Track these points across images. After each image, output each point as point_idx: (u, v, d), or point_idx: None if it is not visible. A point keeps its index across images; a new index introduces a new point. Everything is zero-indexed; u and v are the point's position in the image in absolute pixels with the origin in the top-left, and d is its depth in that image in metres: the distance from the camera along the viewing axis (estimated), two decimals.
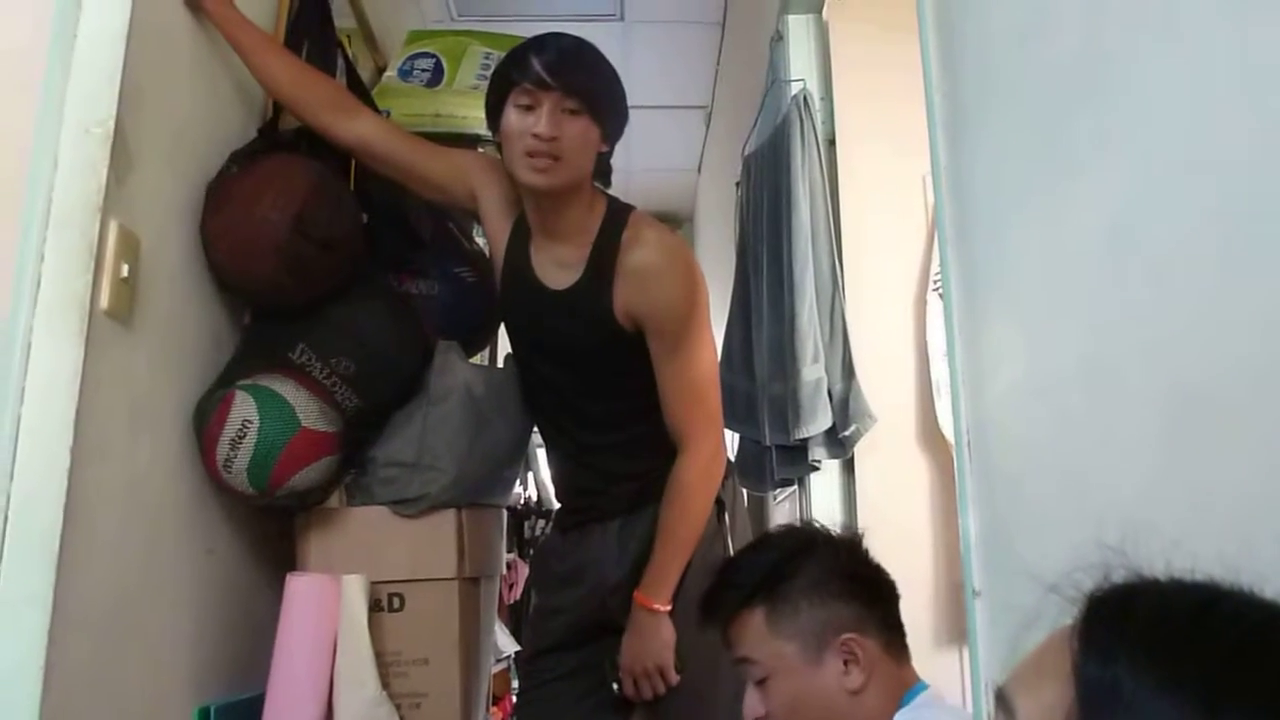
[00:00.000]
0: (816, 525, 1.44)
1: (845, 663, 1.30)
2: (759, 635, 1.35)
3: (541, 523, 3.83)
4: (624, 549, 1.86)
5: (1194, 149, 0.77)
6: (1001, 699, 0.59)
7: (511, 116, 1.74)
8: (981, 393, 1.18)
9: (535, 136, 1.70)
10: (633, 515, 1.87)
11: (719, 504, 1.89)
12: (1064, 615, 0.57)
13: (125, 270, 1.38)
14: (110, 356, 1.36)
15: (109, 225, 1.34)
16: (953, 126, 1.29)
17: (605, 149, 1.82)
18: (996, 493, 1.13)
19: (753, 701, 1.36)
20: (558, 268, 1.84)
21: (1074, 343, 0.95)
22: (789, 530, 1.49)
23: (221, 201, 1.65)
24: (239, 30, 1.76)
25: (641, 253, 1.79)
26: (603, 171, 1.87)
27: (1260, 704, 0.49)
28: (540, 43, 1.78)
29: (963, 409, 1.20)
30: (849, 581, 1.36)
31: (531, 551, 3.77)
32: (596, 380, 1.87)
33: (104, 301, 1.33)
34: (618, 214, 1.84)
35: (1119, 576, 0.58)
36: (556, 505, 2.11)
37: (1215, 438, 0.72)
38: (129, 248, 1.40)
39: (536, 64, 1.72)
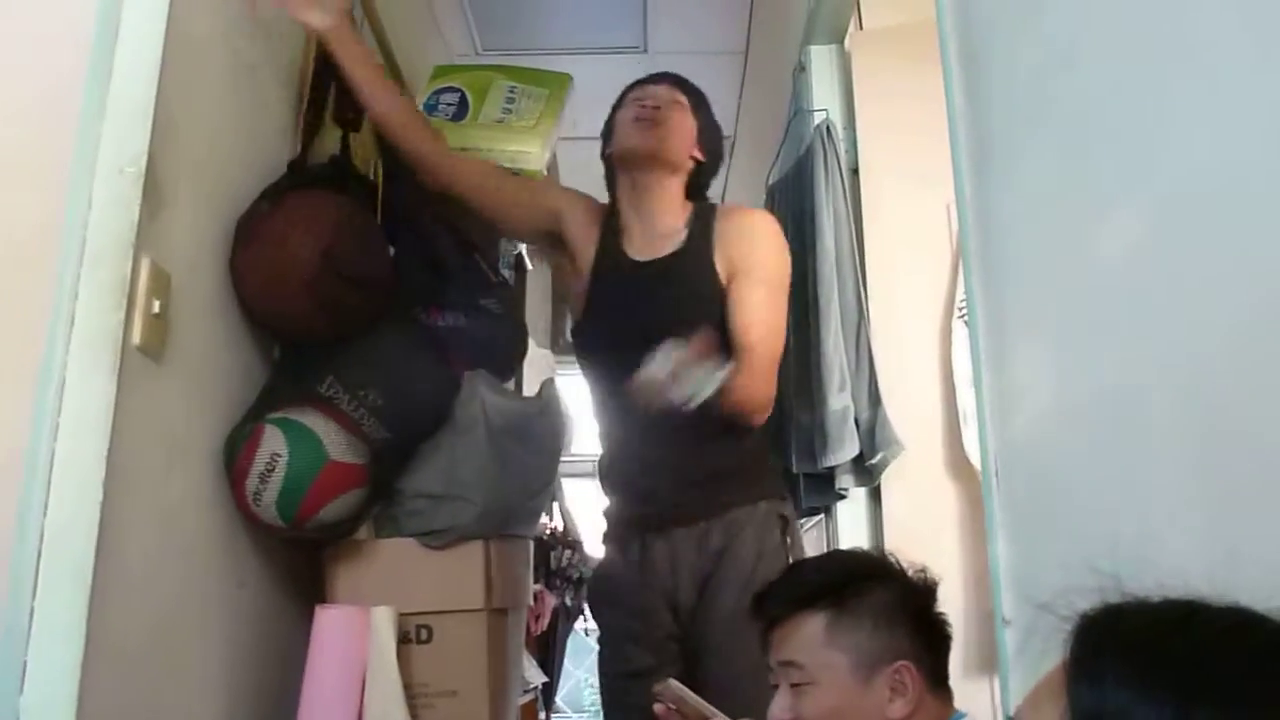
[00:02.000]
0: (895, 559, 1.43)
1: (892, 690, 1.28)
2: (813, 641, 1.33)
3: (569, 553, 3.82)
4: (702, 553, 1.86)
5: (1221, 180, 0.77)
6: None
7: (624, 110, 2.02)
8: (1009, 421, 1.17)
9: (642, 105, 1.98)
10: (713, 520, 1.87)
11: (783, 520, 1.91)
12: (1058, 633, 0.58)
13: (157, 306, 1.40)
14: (142, 391, 1.38)
15: (141, 262, 1.36)
16: (977, 156, 1.29)
17: (701, 158, 2.03)
18: (1026, 522, 1.13)
19: (783, 704, 1.33)
20: (657, 240, 1.98)
21: (1101, 373, 0.94)
22: (869, 553, 1.47)
23: (251, 237, 1.67)
24: (359, 65, 1.88)
25: (741, 215, 2.02)
26: (699, 185, 2.05)
27: (1230, 701, 0.50)
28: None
29: (990, 437, 1.20)
30: (917, 619, 1.35)
31: (559, 582, 3.77)
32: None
33: (136, 337, 1.35)
34: (707, 202, 2.06)
35: (1113, 598, 0.59)
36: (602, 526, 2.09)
37: (1247, 474, 0.71)
38: (160, 284, 1.42)
39: (656, 74, 2.05)
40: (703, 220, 1.98)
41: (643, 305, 1.93)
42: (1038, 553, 1.09)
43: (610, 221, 2.04)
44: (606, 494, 2.08)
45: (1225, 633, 0.53)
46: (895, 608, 1.33)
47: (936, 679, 1.34)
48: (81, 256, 1.30)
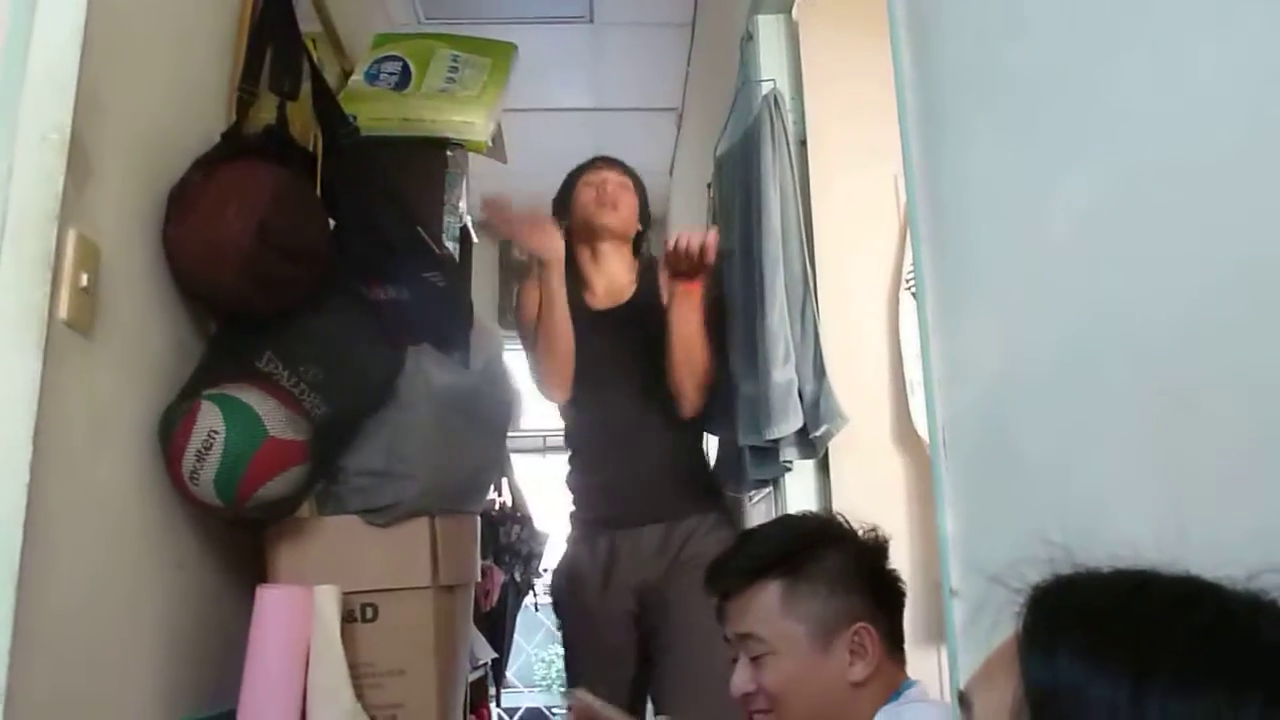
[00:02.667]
0: (845, 520, 1.42)
1: (852, 654, 1.28)
2: (769, 611, 1.33)
3: (518, 528, 3.80)
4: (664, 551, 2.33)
5: (1172, 146, 0.76)
6: (963, 699, 0.60)
7: (582, 190, 2.54)
8: (957, 391, 1.17)
9: (602, 190, 2.50)
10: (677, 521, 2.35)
11: (720, 495, 2.50)
12: (1009, 606, 0.58)
13: (85, 280, 1.35)
14: (71, 368, 1.34)
15: (67, 234, 1.31)
16: (925, 125, 1.28)
17: (641, 228, 2.60)
18: (974, 493, 1.12)
19: (744, 677, 1.33)
20: (614, 293, 2.53)
21: (1052, 340, 0.94)
22: (819, 516, 1.47)
23: (184, 210, 1.61)
24: (562, 295, 2.33)
25: None
26: (639, 245, 2.61)
27: (1184, 672, 0.49)
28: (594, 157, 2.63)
29: (938, 407, 1.19)
30: (872, 581, 1.35)
31: (508, 558, 3.75)
32: (645, 362, 2.39)
33: (63, 312, 1.30)
34: (649, 256, 2.64)
35: (1064, 569, 0.58)
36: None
37: (1200, 438, 0.71)
38: (89, 257, 1.37)
39: (597, 161, 2.59)
40: (649, 272, 2.55)
41: (607, 346, 2.42)
42: (987, 524, 1.08)
43: (571, 281, 2.44)
44: (575, 498, 2.51)
45: (1177, 603, 0.53)
46: (849, 570, 1.33)
47: (893, 640, 1.34)
48: (3, 228, 1.24)
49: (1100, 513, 0.81)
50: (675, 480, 2.41)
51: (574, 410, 2.49)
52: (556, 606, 2.54)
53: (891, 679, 1.32)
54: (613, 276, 2.54)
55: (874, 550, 1.40)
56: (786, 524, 1.51)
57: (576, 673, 2.39)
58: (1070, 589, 0.57)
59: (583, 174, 2.57)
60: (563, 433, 2.60)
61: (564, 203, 2.57)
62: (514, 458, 3.93)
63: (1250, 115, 0.67)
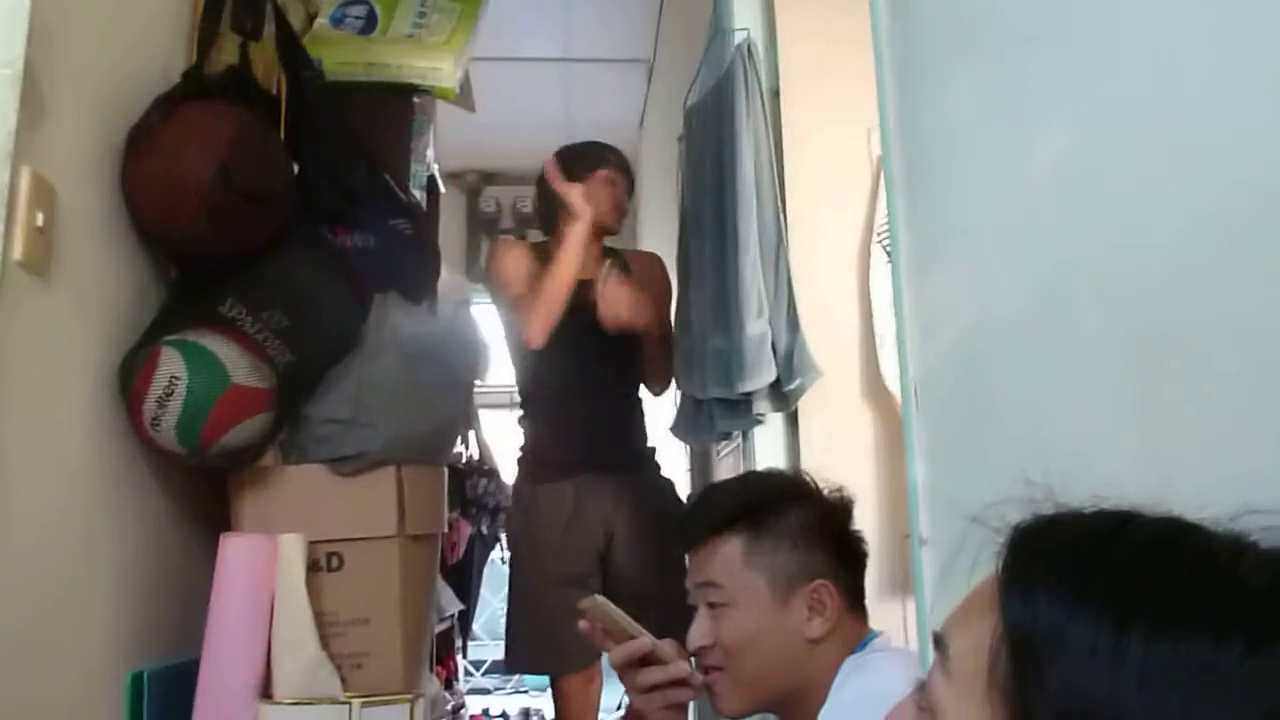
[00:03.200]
0: (811, 479, 1.42)
1: (810, 609, 1.29)
2: (731, 563, 1.33)
3: (485, 481, 3.80)
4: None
5: (1155, 88, 0.75)
6: (938, 640, 0.59)
7: (603, 184, 2.67)
8: (930, 341, 1.16)
9: (618, 195, 2.70)
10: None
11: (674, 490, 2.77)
12: (987, 547, 0.57)
13: (40, 219, 1.31)
14: (25, 311, 1.30)
15: (21, 172, 1.27)
16: (902, 73, 1.27)
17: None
18: (945, 441, 1.12)
19: (703, 628, 1.33)
20: (590, 265, 2.63)
21: (1029, 288, 0.93)
22: (785, 473, 1.47)
23: (143, 151, 1.57)
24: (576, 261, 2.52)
25: (647, 257, 2.92)
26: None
27: (1165, 615, 0.49)
28: (611, 147, 2.79)
29: (910, 357, 1.19)
30: (834, 539, 1.35)
31: (475, 510, 3.75)
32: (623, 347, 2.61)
33: (17, 252, 1.27)
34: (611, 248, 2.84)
35: (1045, 509, 0.58)
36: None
37: (1180, 382, 0.71)
38: (44, 196, 1.33)
39: (610, 157, 2.74)
40: (619, 261, 2.75)
41: (585, 311, 2.54)
42: (960, 472, 1.08)
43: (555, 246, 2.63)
44: (538, 443, 2.70)
45: (1159, 544, 0.52)
46: (813, 528, 1.33)
47: (854, 598, 1.35)
48: None
49: (1079, 460, 0.81)
50: (633, 437, 2.73)
51: (548, 363, 2.60)
52: (513, 542, 2.73)
53: (852, 635, 1.33)
54: (590, 262, 2.66)
55: (839, 509, 1.40)
56: (752, 479, 1.51)
57: (521, 608, 2.60)
58: (1051, 528, 0.56)
59: (608, 165, 2.71)
60: (524, 378, 2.77)
61: (580, 171, 2.67)
62: (481, 412, 3.92)
63: (1226, 54, 0.66)
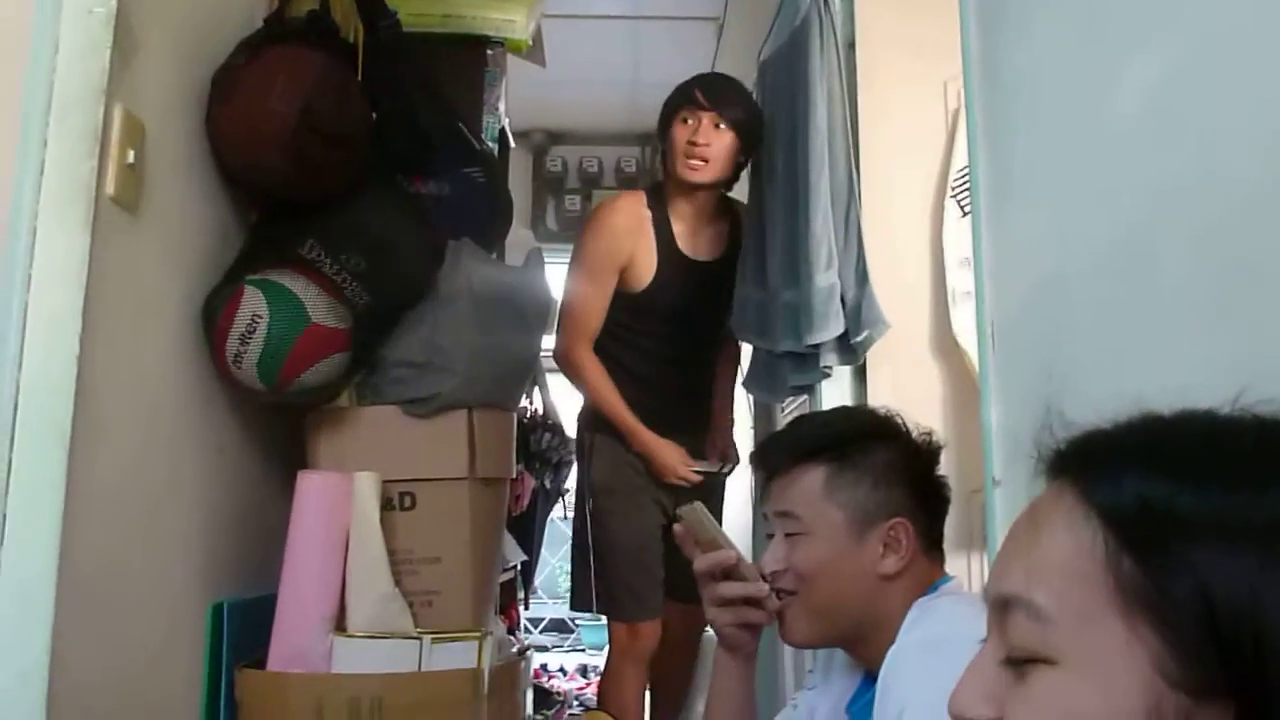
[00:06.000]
0: (902, 420, 1.42)
1: (886, 546, 1.29)
2: (811, 494, 1.33)
3: (548, 436, 3.82)
4: None
5: (1245, 16, 0.74)
6: (1003, 603, 0.56)
7: (676, 129, 2.55)
8: (1008, 284, 1.15)
9: (691, 143, 2.51)
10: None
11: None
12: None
13: (131, 157, 1.35)
14: (117, 245, 1.34)
15: (114, 110, 1.31)
16: (985, 12, 1.25)
17: (743, 159, 2.59)
18: (1021, 383, 1.12)
19: (777, 554, 1.34)
20: (705, 242, 2.70)
21: (1112, 228, 0.92)
22: (876, 411, 1.46)
23: (228, 92, 1.60)
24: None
25: None
26: (731, 180, 2.65)
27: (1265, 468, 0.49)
28: (700, 77, 2.63)
29: (988, 300, 1.18)
30: (917, 481, 1.35)
31: (538, 465, 3.77)
32: (714, 328, 2.72)
33: (110, 188, 1.30)
34: (735, 204, 2.78)
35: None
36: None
37: (1266, 306, 0.70)
38: (134, 134, 1.36)
39: (698, 91, 2.54)
40: (737, 228, 2.70)
41: (688, 292, 2.65)
42: (1033, 414, 1.07)
43: (661, 224, 2.65)
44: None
45: (1227, 421, 0.53)
46: (897, 467, 1.33)
47: (931, 540, 1.34)
48: (50, 102, 1.24)
49: (1158, 394, 0.80)
50: (704, 406, 2.86)
51: (641, 333, 2.72)
52: (595, 494, 2.79)
53: (925, 577, 1.32)
54: (704, 223, 2.69)
55: (925, 452, 1.39)
56: (841, 413, 1.50)
57: (602, 553, 2.74)
58: (1112, 429, 0.56)
59: (681, 106, 2.56)
60: (620, 332, 2.75)
61: (664, 125, 2.61)
62: (548, 378, 3.93)
63: None
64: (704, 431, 2.81)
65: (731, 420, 2.94)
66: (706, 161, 2.51)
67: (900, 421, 1.40)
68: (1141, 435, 0.54)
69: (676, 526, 1.46)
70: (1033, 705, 0.53)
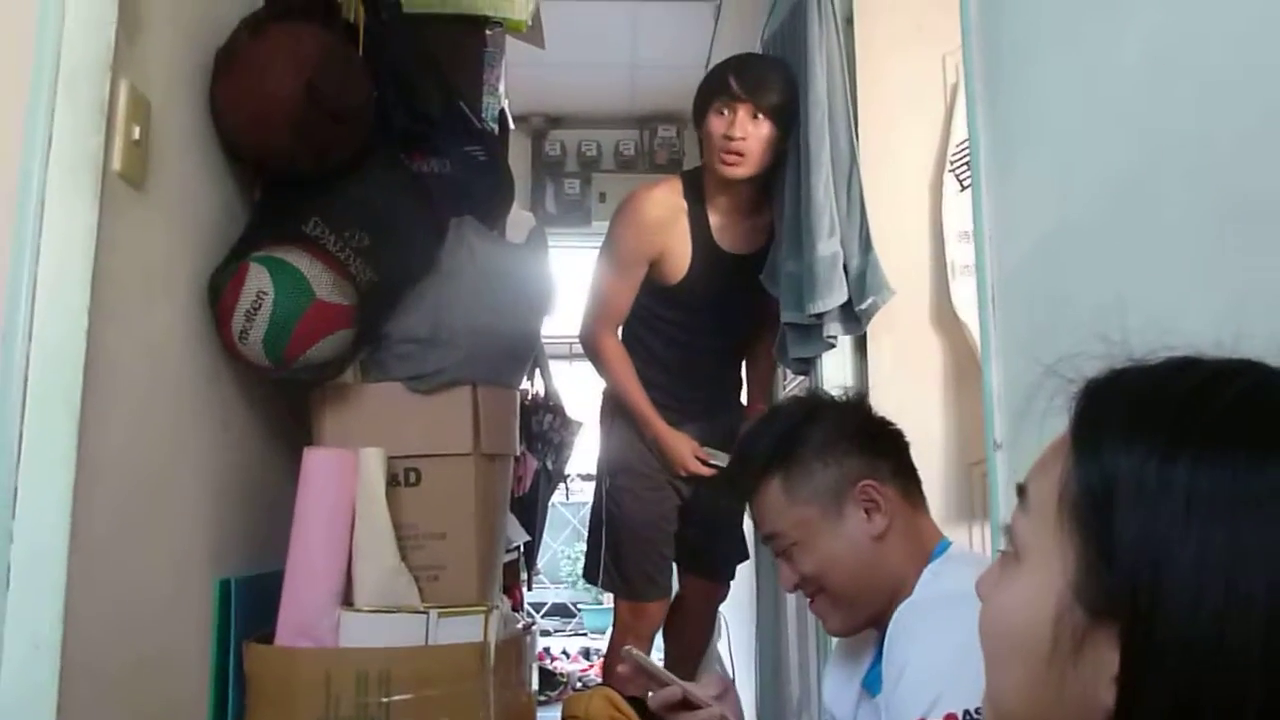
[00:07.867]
0: (819, 392, 1.45)
1: (866, 510, 1.31)
2: (779, 507, 1.37)
3: (550, 417, 3.83)
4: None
5: None
6: (1020, 490, 0.61)
7: (711, 120, 2.43)
8: (1009, 246, 1.16)
9: (727, 138, 2.39)
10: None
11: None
12: (1060, 397, 0.59)
13: (137, 132, 1.36)
14: (124, 219, 1.35)
15: (120, 84, 1.31)
16: None
17: (784, 147, 2.43)
18: (1022, 345, 1.13)
19: (784, 573, 1.39)
20: (744, 234, 2.59)
21: (1111, 179, 0.93)
22: (794, 400, 1.50)
23: (232, 69, 1.61)
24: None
25: None
26: (773, 168, 2.48)
27: (1213, 436, 0.50)
28: (736, 61, 2.50)
29: (988, 263, 1.19)
30: (858, 438, 1.37)
31: (540, 446, 3.78)
32: (747, 320, 2.68)
33: (117, 163, 1.31)
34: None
35: (1119, 365, 0.59)
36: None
37: (1264, 243, 0.71)
38: (140, 109, 1.37)
39: (733, 81, 2.40)
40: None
41: (721, 286, 2.58)
42: (1034, 375, 1.09)
43: (698, 216, 2.56)
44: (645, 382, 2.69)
45: (1216, 376, 0.53)
46: (835, 438, 1.36)
47: (905, 481, 1.36)
48: (56, 75, 1.24)
49: (1157, 329, 0.81)
50: (730, 393, 2.88)
51: (673, 323, 2.68)
52: (613, 472, 2.77)
53: (916, 525, 1.35)
54: (743, 216, 2.59)
55: (853, 407, 1.42)
56: (768, 419, 1.53)
57: (616, 535, 2.71)
58: (1120, 377, 0.57)
59: (716, 95, 2.44)
60: (649, 319, 2.74)
61: (699, 115, 2.51)
62: (549, 363, 3.94)
63: None
64: (726, 417, 2.76)
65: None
66: (743, 156, 2.40)
67: (822, 393, 1.43)
68: (1135, 391, 0.56)
69: (620, 667, 1.47)
70: (996, 594, 0.59)
